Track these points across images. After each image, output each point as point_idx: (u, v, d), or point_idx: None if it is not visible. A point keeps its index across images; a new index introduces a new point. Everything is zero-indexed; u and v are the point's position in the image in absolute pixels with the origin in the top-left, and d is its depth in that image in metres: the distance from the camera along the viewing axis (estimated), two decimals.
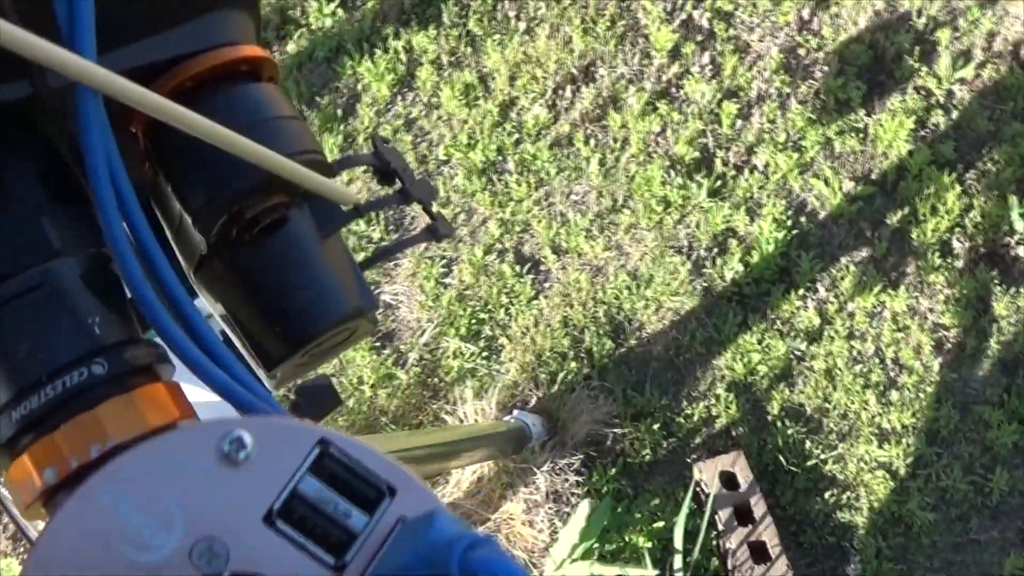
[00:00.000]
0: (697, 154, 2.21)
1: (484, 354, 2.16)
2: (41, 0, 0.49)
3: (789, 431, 2.03)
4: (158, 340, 0.51)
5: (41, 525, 0.48)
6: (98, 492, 0.39)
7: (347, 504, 0.41)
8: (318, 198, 0.64)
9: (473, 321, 2.17)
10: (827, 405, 2.05)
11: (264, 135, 0.58)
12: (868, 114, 2.22)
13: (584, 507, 1.91)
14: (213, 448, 0.40)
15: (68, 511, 0.39)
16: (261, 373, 0.65)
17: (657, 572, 1.89)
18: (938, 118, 2.20)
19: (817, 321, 2.09)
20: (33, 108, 0.51)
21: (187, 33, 0.60)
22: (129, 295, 0.51)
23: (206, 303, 0.66)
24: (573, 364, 2.11)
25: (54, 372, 0.48)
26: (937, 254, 2.11)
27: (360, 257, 0.70)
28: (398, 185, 0.71)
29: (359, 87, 2.37)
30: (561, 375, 2.10)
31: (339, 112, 2.34)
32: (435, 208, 0.73)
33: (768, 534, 1.92)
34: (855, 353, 2.07)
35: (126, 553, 0.38)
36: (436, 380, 2.16)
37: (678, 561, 1.92)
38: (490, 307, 2.18)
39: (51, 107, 0.51)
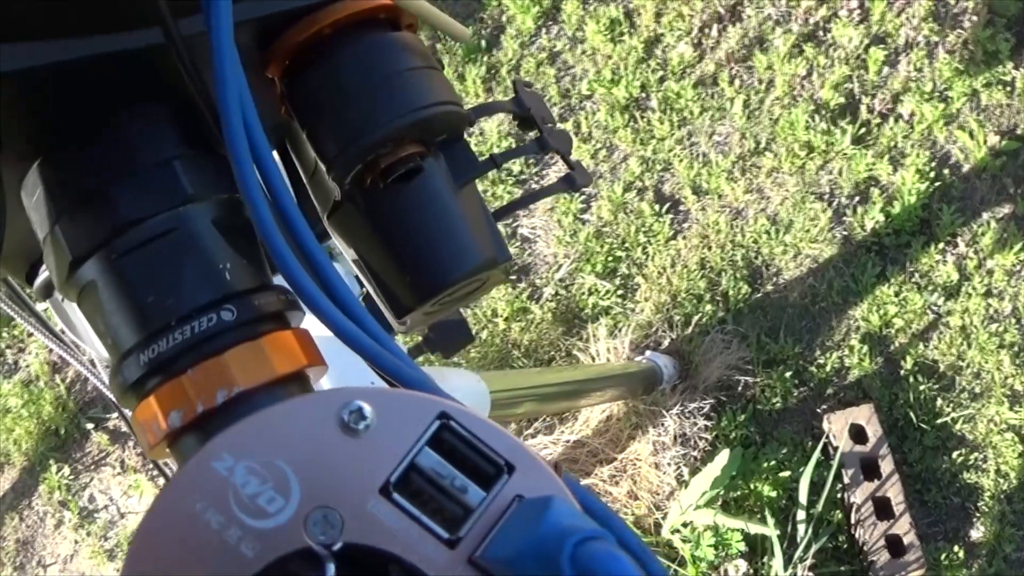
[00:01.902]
0: (842, 99, 2.18)
1: (619, 292, 2.16)
2: None
3: (921, 387, 2.02)
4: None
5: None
6: (216, 456, 0.39)
7: (464, 479, 0.41)
8: (454, 148, 0.64)
9: (610, 258, 2.17)
10: (961, 363, 2.03)
11: (405, 84, 0.59)
12: (1016, 67, 2.17)
13: (723, 456, 1.91)
14: (333, 417, 0.40)
15: (186, 473, 0.39)
16: (391, 320, 0.65)
17: (778, 532, 1.89)
18: None
19: (956, 276, 2.06)
20: (165, 56, 0.51)
21: None
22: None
23: (340, 248, 0.66)
24: (708, 307, 2.11)
25: (183, 317, 0.48)
26: None
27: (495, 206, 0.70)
28: (536, 134, 0.71)
29: (504, 19, 2.35)
30: (696, 318, 2.10)
31: (483, 44, 2.32)
32: (573, 157, 0.73)
33: (894, 491, 1.92)
34: (992, 312, 2.05)
35: (242, 518, 0.38)
36: (570, 316, 2.16)
37: (801, 513, 1.92)
38: (627, 245, 2.17)
39: (182, 55, 0.50)
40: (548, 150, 0.70)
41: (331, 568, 0.38)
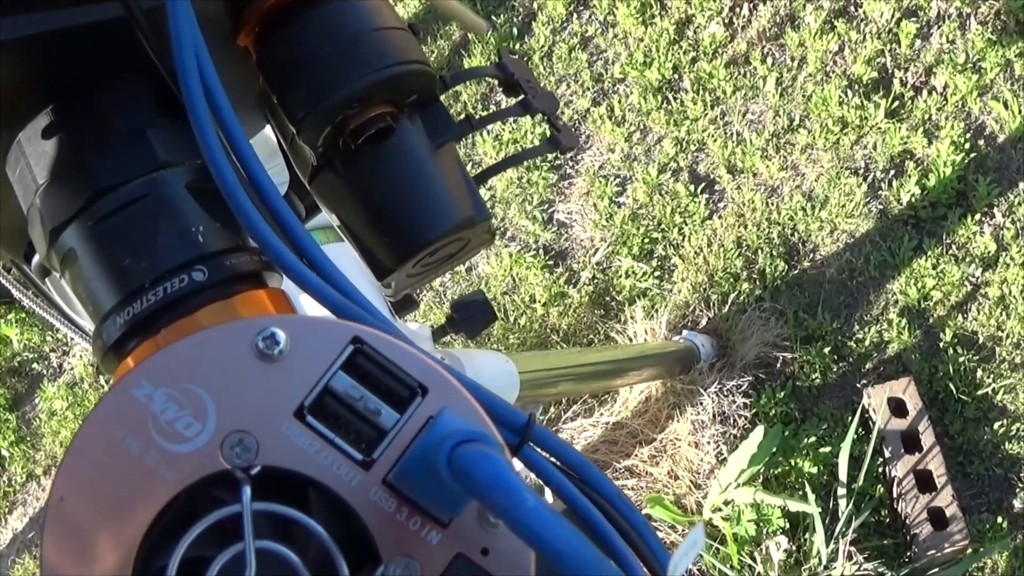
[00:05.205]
0: (875, 74, 2.17)
1: (656, 274, 2.17)
2: None
3: (961, 359, 2.02)
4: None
5: None
6: (135, 384, 0.40)
7: (378, 402, 0.42)
8: (429, 109, 0.64)
9: (646, 240, 2.18)
10: (1000, 333, 2.03)
11: (370, 44, 0.59)
12: None
13: (758, 433, 1.92)
14: (248, 344, 0.41)
15: (107, 401, 0.40)
16: (376, 282, 0.66)
17: (820, 509, 1.90)
18: None
19: (993, 247, 2.06)
20: (130, 28, 0.52)
21: None
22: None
23: (325, 213, 0.67)
24: (745, 285, 2.12)
25: (157, 278, 0.49)
26: None
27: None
28: (521, 97, 0.71)
29: (535, 5, 2.36)
30: (733, 296, 2.11)
31: (515, 31, 2.33)
32: (559, 119, 0.73)
33: (935, 463, 1.92)
34: None
35: (160, 443, 0.40)
36: (608, 299, 2.18)
37: (842, 488, 1.93)
38: (663, 227, 2.19)
39: (140, 23, 0.52)
40: (533, 112, 0.70)
41: (247, 490, 0.39)
